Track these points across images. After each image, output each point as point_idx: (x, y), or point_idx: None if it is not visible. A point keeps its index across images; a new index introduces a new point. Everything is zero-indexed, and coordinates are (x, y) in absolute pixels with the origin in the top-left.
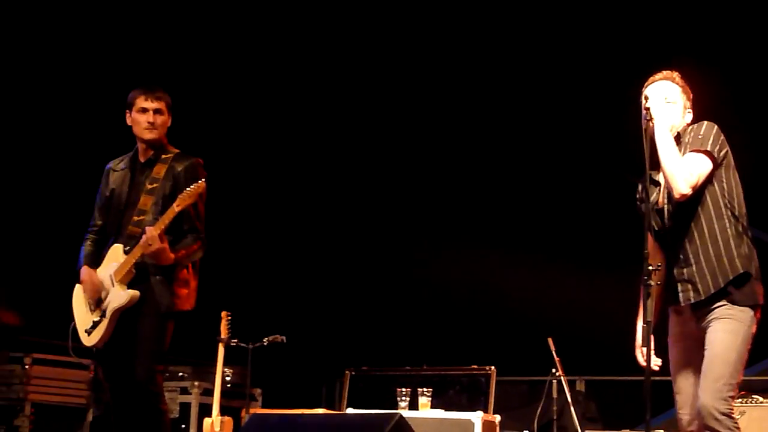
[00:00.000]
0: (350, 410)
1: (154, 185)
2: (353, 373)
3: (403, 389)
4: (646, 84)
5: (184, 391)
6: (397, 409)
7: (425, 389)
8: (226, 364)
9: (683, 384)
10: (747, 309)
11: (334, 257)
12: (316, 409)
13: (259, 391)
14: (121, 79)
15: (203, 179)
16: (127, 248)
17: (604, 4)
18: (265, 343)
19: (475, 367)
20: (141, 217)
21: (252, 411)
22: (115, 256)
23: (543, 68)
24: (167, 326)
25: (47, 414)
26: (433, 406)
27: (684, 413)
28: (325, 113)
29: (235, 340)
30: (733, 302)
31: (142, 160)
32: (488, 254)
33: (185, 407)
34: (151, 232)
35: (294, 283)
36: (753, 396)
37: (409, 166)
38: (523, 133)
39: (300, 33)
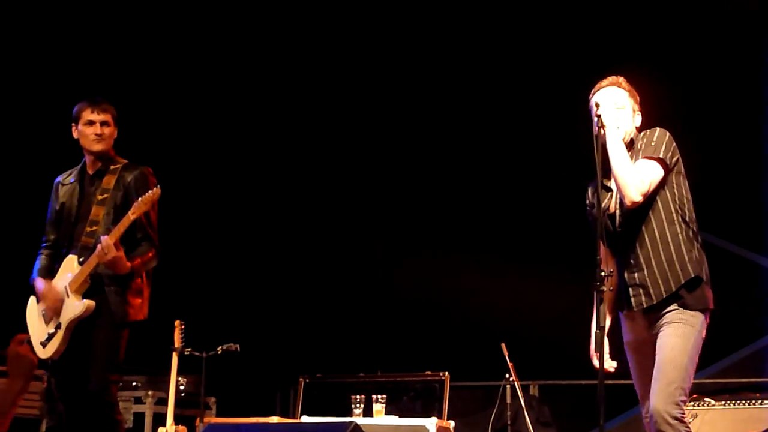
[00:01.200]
0: (305, 418)
1: (105, 196)
2: (307, 380)
3: (358, 396)
4: (593, 91)
5: (138, 400)
6: (351, 416)
7: (379, 396)
8: (180, 372)
9: (645, 390)
10: (698, 313)
11: (287, 265)
12: (270, 417)
13: (213, 399)
14: (67, 92)
15: (157, 186)
16: (82, 259)
17: (552, 8)
18: (219, 352)
19: (429, 373)
20: (93, 228)
21: (206, 420)
22: (70, 267)
23: (495, 74)
24: (122, 336)
25: None
26: (387, 413)
27: (649, 418)
28: (281, 118)
29: (189, 349)
30: (685, 306)
31: (90, 172)
32: (441, 260)
33: (139, 417)
34: (107, 241)
35: (247, 291)
36: (705, 399)
37: (365, 170)
38: (478, 137)
39: (263, 43)
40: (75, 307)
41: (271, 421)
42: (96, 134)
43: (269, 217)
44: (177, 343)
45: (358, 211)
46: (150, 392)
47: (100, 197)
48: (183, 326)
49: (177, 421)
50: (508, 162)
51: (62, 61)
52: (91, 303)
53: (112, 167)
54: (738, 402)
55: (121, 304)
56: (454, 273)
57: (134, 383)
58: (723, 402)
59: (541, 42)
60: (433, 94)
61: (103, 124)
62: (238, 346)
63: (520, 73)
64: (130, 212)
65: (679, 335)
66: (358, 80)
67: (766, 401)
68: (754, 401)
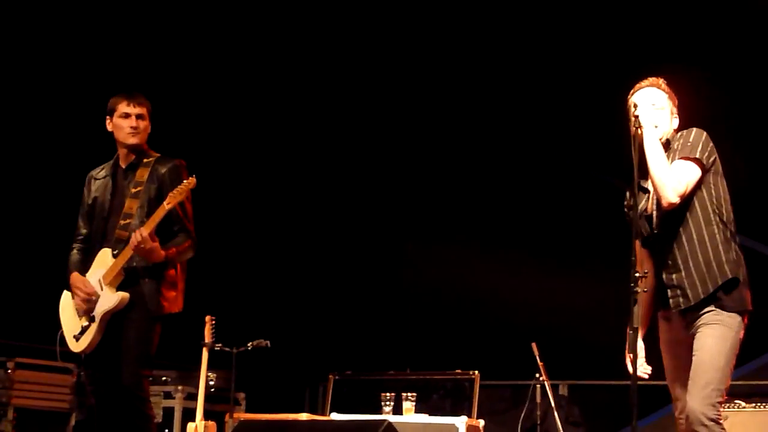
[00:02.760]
0: (334, 415)
1: (138, 189)
2: (337, 377)
3: (387, 394)
4: (632, 91)
5: (168, 395)
6: (381, 413)
7: (409, 394)
8: (210, 368)
9: (679, 391)
10: (735, 315)
11: (319, 261)
12: (299, 414)
13: (242, 395)
14: (99, 86)
15: (192, 176)
16: (116, 252)
17: (593, 9)
18: (250, 348)
19: (459, 371)
20: (127, 221)
21: (236, 415)
22: (103, 260)
23: (533, 70)
24: (155, 329)
25: (30, 418)
26: (417, 411)
27: (683, 419)
28: (308, 116)
29: (220, 345)
30: (722, 308)
31: (123, 165)
32: (472, 257)
33: (169, 412)
34: (142, 231)
35: (278, 287)
36: (735, 401)
37: (394, 168)
38: (511, 135)
39: (269, 42)
40: (109, 299)
41: (301, 418)
42: (132, 127)
43: (301, 213)
44: (207, 339)
45: (388, 208)
46: (180, 387)
47: (133, 190)
48: (214, 321)
49: (206, 416)
50: (544, 160)
51: (88, 56)
52: (125, 295)
53: (145, 160)
54: None
55: (156, 296)
56: (485, 271)
57: (164, 378)
58: (754, 404)
59: (585, 41)
60: (470, 91)
61: (139, 117)
62: (268, 342)
63: (561, 70)
64: (165, 202)
65: (717, 336)
66: (387, 78)
67: None
68: None
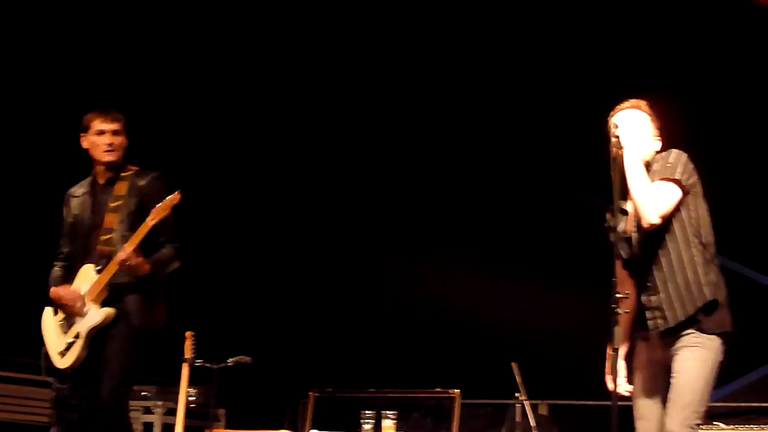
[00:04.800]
0: None
1: (118, 203)
2: (317, 394)
3: (368, 411)
4: (613, 112)
5: (148, 410)
6: (361, 431)
7: (389, 412)
8: (190, 384)
9: (647, 410)
10: (715, 337)
11: (300, 277)
12: (280, 431)
13: (223, 411)
14: (73, 100)
15: (177, 191)
16: (99, 267)
17: (576, 31)
18: (230, 364)
19: (440, 390)
20: (108, 236)
21: None
22: (87, 276)
23: (521, 89)
24: (137, 345)
25: None
26: (397, 429)
27: None
28: (288, 131)
29: (200, 360)
30: (702, 330)
31: (101, 181)
32: (454, 277)
33: (149, 427)
34: (126, 248)
35: (259, 304)
36: (714, 422)
37: (377, 183)
38: (496, 153)
39: (268, 46)
40: (94, 315)
41: None
42: (108, 144)
43: (282, 229)
44: (188, 354)
45: (371, 226)
46: (160, 402)
47: (112, 205)
48: (194, 337)
49: None
50: (526, 180)
51: (64, 69)
52: (110, 311)
53: (122, 174)
54: (747, 426)
55: (140, 311)
56: (466, 290)
57: (144, 393)
58: (732, 426)
59: (567, 60)
60: (453, 105)
61: (115, 133)
62: (249, 358)
63: (544, 90)
64: (149, 218)
65: (696, 359)
66: (372, 90)
67: None
68: (764, 426)
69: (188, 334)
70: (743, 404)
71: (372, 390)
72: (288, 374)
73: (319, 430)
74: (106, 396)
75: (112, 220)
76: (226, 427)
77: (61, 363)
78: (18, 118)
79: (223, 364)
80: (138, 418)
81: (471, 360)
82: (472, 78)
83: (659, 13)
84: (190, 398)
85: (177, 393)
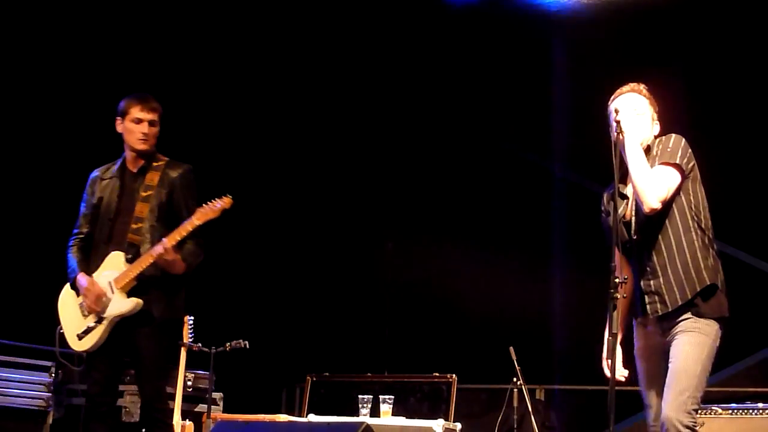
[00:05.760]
0: (312, 416)
1: (149, 192)
2: (314, 378)
3: (365, 396)
4: (613, 97)
5: None
6: (358, 415)
7: (387, 396)
8: (187, 368)
9: (653, 398)
10: (713, 322)
11: (298, 262)
12: (277, 415)
13: (220, 395)
14: (80, 88)
15: (228, 196)
16: (129, 256)
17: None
18: (228, 348)
19: (437, 374)
20: (138, 225)
21: (213, 416)
22: (115, 263)
23: (515, 74)
24: (166, 339)
25: (6, 416)
26: (394, 414)
27: (656, 427)
28: (285, 117)
29: (198, 345)
30: (699, 315)
31: (132, 169)
32: (451, 261)
33: None
34: (166, 243)
35: (256, 288)
36: (711, 407)
37: (374, 169)
38: (493, 138)
39: (260, 42)
40: (123, 304)
41: (279, 419)
42: (143, 133)
43: (280, 214)
44: (185, 339)
45: (368, 210)
46: (139, 387)
47: (144, 194)
48: (192, 322)
49: (184, 416)
50: (523, 166)
51: (85, 57)
52: (139, 301)
53: (155, 164)
54: (745, 411)
55: (163, 305)
56: (464, 275)
57: None
58: (730, 411)
59: (565, 44)
60: (456, 92)
61: (151, 123)
62: (246, 342)
63: (539, 76)
64: (194, 217)
65: (694, 343)
66: (363, 81)
67: None
68: (761, 410)
69: (185, 318)
70: (740, 389)
71: (369, 374)
72: (285, 359)
73: (316, 414)
74: (148, 395)
75: (142, 209)
76: (224, 412)
77: (79, 346)
78: (35, 105)
79: (220, 349)
80: (135, 403)
81: (468, 345)
82: (468, 65)
83: None
84: (188, 383)
85: (174, 377)
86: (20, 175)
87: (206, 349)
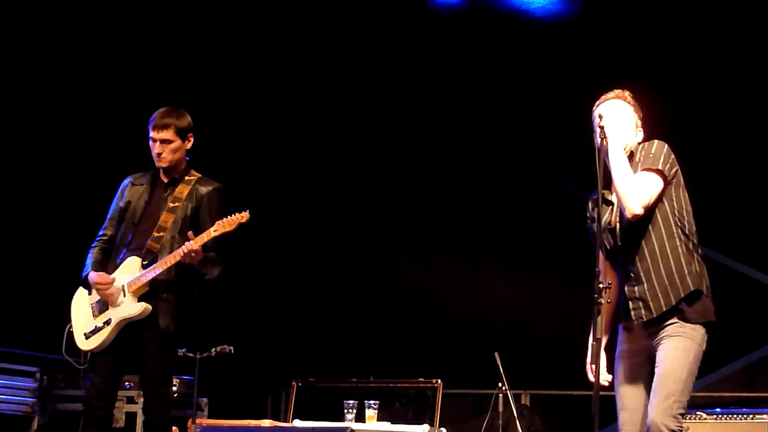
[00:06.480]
0: (297, 422)
1: (177, 204)
2: (300, 384)
3: (350, 401)
4: (597, 102)
5: (130, 400)
6: (343, 421)
7: (372, 401)
8: (173, 373)
9: (629, 400)
10: (698, 327)
11: (282, 268)
12: (262, 420)
13: (205, 401)
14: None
15: (246, 211)
16: (146, 262)
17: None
18: (213, 354)
19: (422, 380)
20: (161, 234)
21: (198, 421)
22: (132, 267)
23: (502, 81)
24: (171, 348)
25: None
26: (379, 419)
27: (627, 429)
28: (272, 122)
29: (183, 350)
30: (685, 320)
31: (164, 179)
32: (437, 266)
33: (131, 417)
34: (193, 246)
35: (241, 294)
36: (696, 412)
37: (359, 174)
38: (479, 144)
39: (254, 44)
40: (132, 307)
41: (264, 425)
42: (156, 153)
43: (265, 219)
44: None
45: (355, 216)
46: (142, 392)
47: (171, 205)
48: None
49: None
50: (508, 170)
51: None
52: (148, 306)
53: (187, 178)
54: (730, 416)
55: (173, 312)
56: (448, 280)
57: (127, 383)
58: (715, 416)
59: (550, 51)
60: (443, 97)
61: (164, 142)
62: (231, 348)
63: (527, 80)
64: (212, 228)
65: (680, 348)
66: (351, 88)
67: (758, 416)
68: (745, 415)
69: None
70: (725, 394)
71: (354, 380)
72: (270, 364)
73: (301, 419)
74: (150, 399)
75: (167, 219)
76: (209, 417)
77: (84, 344)
78: (54, 110)
79: (205, 354)
80: (120, 408)
81: (453, 350)
82: (459, 68)
83: (641, 4)
84: (173, 388)
85: None
86: (12, 181)
87: (191, 354)
